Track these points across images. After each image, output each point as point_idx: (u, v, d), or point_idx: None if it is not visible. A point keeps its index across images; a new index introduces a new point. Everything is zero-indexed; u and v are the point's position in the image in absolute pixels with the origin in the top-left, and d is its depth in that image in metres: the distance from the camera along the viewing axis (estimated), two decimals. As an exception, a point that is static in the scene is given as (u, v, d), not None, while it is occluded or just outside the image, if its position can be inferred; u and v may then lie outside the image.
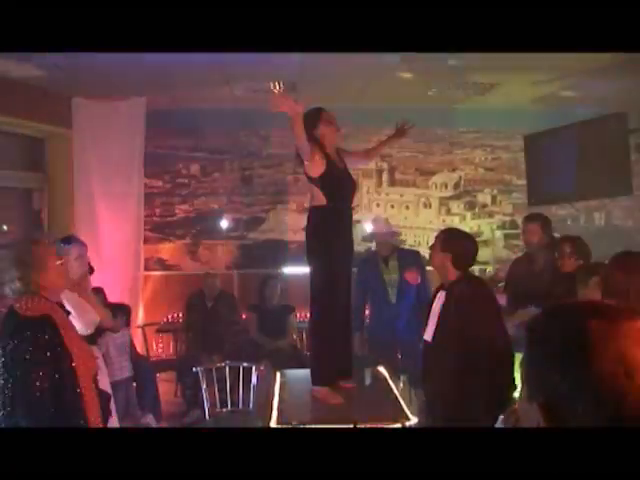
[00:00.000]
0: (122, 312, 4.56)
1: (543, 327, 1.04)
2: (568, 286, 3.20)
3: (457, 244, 3.02)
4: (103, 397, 2.59)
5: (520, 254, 4.79)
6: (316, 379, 3.35)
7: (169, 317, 5.91)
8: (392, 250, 4.69)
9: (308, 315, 3.70)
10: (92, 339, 3.24)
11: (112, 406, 3.17)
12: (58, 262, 2.43)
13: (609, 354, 0.91)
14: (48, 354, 2.23)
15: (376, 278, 4.58)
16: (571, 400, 0.95)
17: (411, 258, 4.71)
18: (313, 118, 3.40)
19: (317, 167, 3.32)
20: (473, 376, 2.66)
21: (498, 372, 2.66)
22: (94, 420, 2.37)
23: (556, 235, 5.01)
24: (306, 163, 3.33)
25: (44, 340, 2.24)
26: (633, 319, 0.94)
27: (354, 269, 4.81)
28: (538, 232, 4.10)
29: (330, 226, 3.35)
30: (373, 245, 5.25)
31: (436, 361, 2.88)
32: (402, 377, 4.79)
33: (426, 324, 3.05)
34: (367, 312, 4.84)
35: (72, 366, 2.30)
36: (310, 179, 3.38)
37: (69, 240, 3.32)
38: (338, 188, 3.37)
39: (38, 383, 2.21)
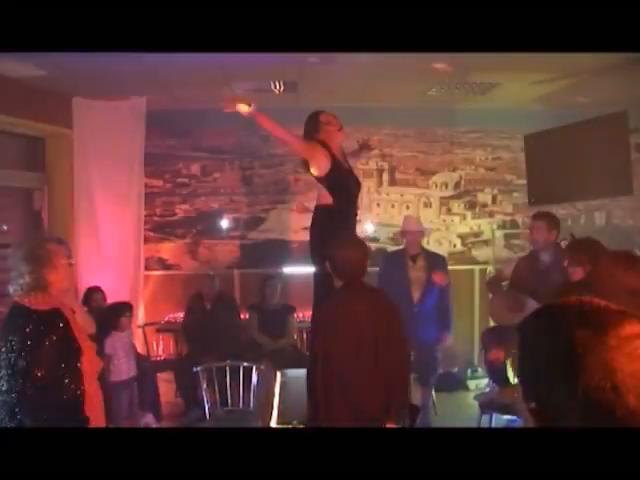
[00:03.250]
0: (126, 310, 4.54)
1: (532, 333, 1.02)
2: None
3: (333, 253, 2.80)
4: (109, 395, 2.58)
5: (521, 254, 4.79)
6: None
7: (169, 317, 5.91)
8: (420, 249, 4.74)
9: (310, 314, 3.73)
10: (100, 340, 3.23)
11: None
12: (67, 262, 2.41)
13: (595, 367, 0.89)
14: (58, 348, 2.20)
15: (402, 276, 4.62)
16: (561, 410, 0.94)
17: (439, 260, 4.77)
18: (313, 121, 3.42)
19: (323, 166, 3.33)
20: None
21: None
22: (95, 418, 2.35)
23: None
24: (311, 162, 3.34)
25: (57, 333, 2.22)
26: (620, 325, 0.93)
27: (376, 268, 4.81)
28: (544, 230, 4.10)
29: (335, 226, 3.36)
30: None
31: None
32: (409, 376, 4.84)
33: None
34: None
35: (79, 362, 2.28)
36: (317, 178, 3.40)
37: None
38: (344, 188, 3.39)
39: (41, 375, 2.17)
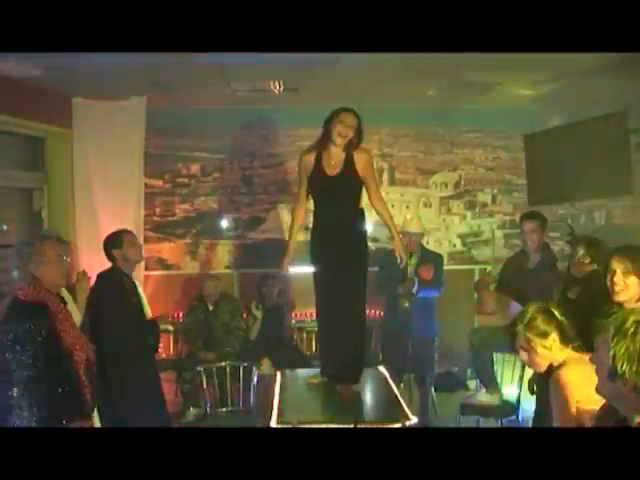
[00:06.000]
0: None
1: None
2: (581, 291, 3.18)
3: None
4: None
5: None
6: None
7: (169, 317, 5.90)
8: (418, 247, 4.80)
9: (310, 313, 3.77)
10: None
11: None
12: (57, 260, 2.56)
13: None
14: (39, 339, 2.34)
15: (400, 271, 4.67)
16: None
17: (431, 257, 4.80)
18: (327, 128, 3.41)
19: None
20: None
21: None
22: (87, 406, 2.43)
23: (554, 234, 5.01)
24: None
25: (37, 325, 2.36)
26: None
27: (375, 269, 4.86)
28: (538, 231, 4.10)
29: (313, 228, 3.43)
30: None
31: None
32: (405, 376, 4.87)
33: None
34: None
35: (64, 352, 2.41)
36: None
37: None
38: (316, 194, 3.42)
39: (31, 362, 2.31)
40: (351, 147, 3.35)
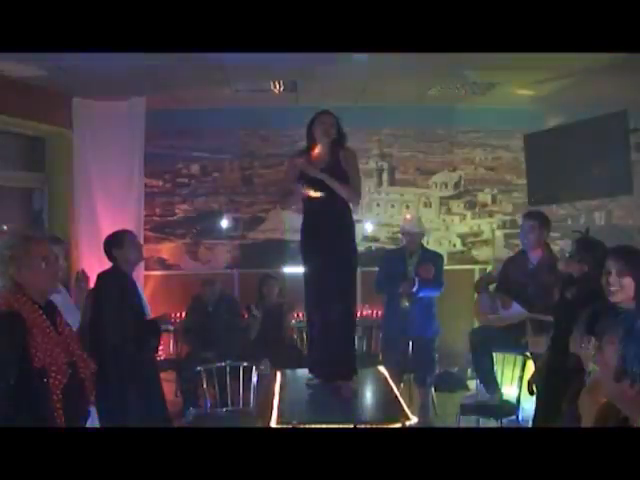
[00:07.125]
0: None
1: None
2: (577, 291, 3.17)
3: None
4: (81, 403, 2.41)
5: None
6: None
7: (169, 317, 5.89)
8: (418, 247, 4.81)
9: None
10: None
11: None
12: (44, 263, 2.30)
13: None
14: (6, 351, 2.13)
15: (400, 271, 4.68)
16: None
17: (431, 256, 4.81)
18: (308, 131, 3.52)
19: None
20: None
21: None
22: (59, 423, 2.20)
23: (554, 234, 5.00)
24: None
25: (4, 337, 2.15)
26: None
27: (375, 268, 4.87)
28: (537, 230, 4.08)
29: (303, 227, 3.50)
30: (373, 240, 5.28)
31: None
32: (405, 376, 4.87)
33: None
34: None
35: (34, 367, 2.16)
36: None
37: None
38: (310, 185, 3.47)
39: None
40: (336, 146, 3.43)
